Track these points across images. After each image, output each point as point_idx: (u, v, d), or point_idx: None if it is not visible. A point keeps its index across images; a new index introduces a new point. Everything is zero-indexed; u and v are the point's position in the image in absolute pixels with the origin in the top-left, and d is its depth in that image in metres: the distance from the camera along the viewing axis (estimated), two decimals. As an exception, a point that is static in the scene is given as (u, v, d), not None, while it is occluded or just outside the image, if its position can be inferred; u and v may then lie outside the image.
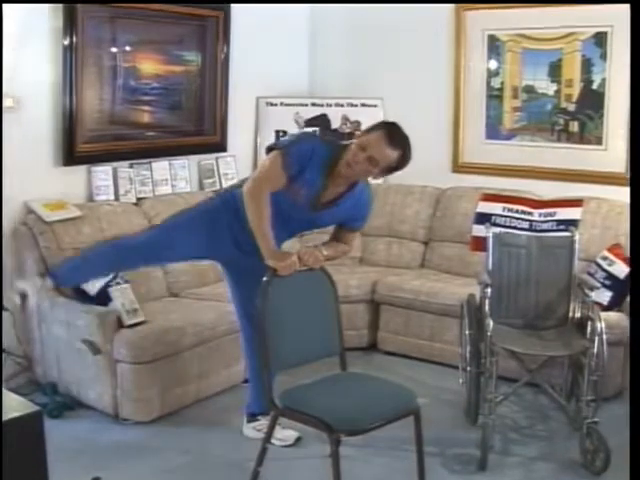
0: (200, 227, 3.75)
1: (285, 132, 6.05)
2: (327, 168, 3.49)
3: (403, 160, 3.46)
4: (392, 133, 3.42)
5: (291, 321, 3.33)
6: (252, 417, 4.04)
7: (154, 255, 3.96)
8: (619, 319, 4.46)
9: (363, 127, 6.03)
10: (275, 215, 3.49)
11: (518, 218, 5.12)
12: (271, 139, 6.02)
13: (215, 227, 3.72)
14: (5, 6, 4.19)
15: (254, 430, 3.99)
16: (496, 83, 5.65)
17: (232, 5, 5.59)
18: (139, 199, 5.14)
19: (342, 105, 6.14)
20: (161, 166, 5.33)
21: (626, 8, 3.55)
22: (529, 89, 5.51)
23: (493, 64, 5.64)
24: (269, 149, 3.60)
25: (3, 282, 4.39)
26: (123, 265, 4.11)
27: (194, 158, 5.59)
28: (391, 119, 5.90)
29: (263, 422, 3.94)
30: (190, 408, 4.34)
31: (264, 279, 3.32)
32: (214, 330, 4.43)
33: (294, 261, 3.38)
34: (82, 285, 4.26)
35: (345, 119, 6.14)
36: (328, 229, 3.83)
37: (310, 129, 6.08)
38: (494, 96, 5.66)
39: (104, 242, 4.25)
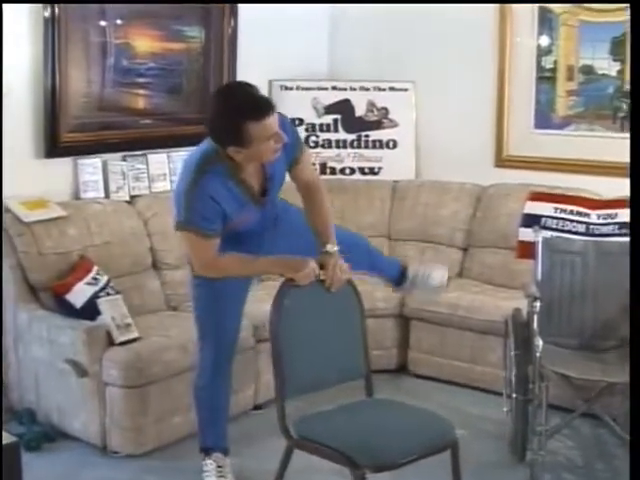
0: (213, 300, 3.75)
1: (302, 120, 6.05)
2: (234, 177, 3.44)
3: (275, 108, 3.33)
4: (253, 108, 3.25)
5: (309, 338, 3.32)
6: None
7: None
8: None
9: (392, 115, 6.08)
10: (245, 245, 3.51)
11: (572, 220, 5.08)
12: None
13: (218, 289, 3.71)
14: (5, 6, 4.30)
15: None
16: (548, 63, 5.63)
17: (240, -27, 5.62)
18: (133, 197, 5.15)
19: (368, 89, 6.14)
20: (158, 159, 5.34)
21: None
22: (587, 69, 5.49)
23: (544, 40, 5.62)
24: (176, 228, 3.49)
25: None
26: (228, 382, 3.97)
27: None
28: (425, 105, 6.06)
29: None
30: (189, 440, 4.31)
31: (278, 290, 3.32)
32: (218, 349, 4.41)
33: (313, 268, 3.38)
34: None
35: (371, 105, 6.14)
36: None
37: (330, 117, 6.09)
38: (545, 78, 5.64)
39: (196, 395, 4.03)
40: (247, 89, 3.32)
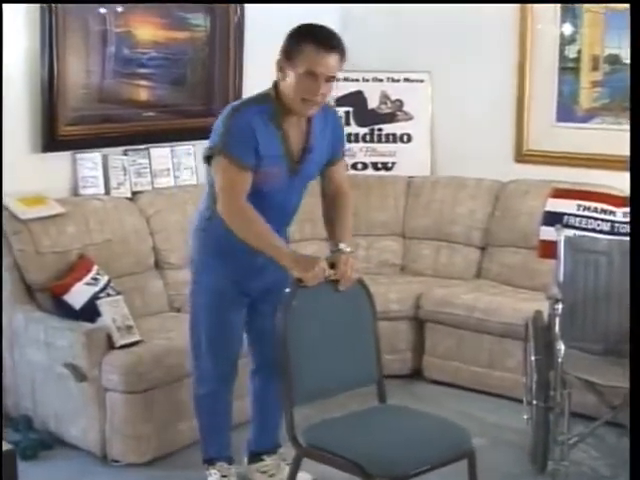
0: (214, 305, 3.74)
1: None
2: (278, 122, 3.51)
3: (344, 58, 3.47)
4: (321, 36, 3.43)
5: (318, 342, 3.32)
6: (255, 457, 4.03)
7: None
8: None
9: (406, 107, 6.07)
10: (262, 208, 3.48)
11: (597, 218, 5.09)
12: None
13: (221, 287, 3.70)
14: (5, 6, 4.32)
15: (258, 473, 3.99)
16: (571, 52, 5.61)
17: (248, -43, 5.61)
18: (134, 193, 5.15)
19: (381, 80, 6.14)
20: (161, 153, 5.35)
21: None
22: (613, 59, 5.47)
23: (568, 28, 5.61)
24: (207, 158, 3.56)
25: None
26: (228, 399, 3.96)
27: (201, 144, 5.55)
28: (441, 97, 6.05)
29: (269, 462, 3.96)
30: (194, 448, 4.29)
31: (287, 290, 3.32)
32: (224, 352, 4.41)
33: (322, 268, 3.37)
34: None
35: (385, 97, 6.14)
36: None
37: (341, 109, 6.07)
38: (568, 68, 5.63)
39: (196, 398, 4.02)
40: (325, 27, 3.49)
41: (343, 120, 6.07)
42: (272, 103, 3.51)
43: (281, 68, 3.47)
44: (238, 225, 3.48)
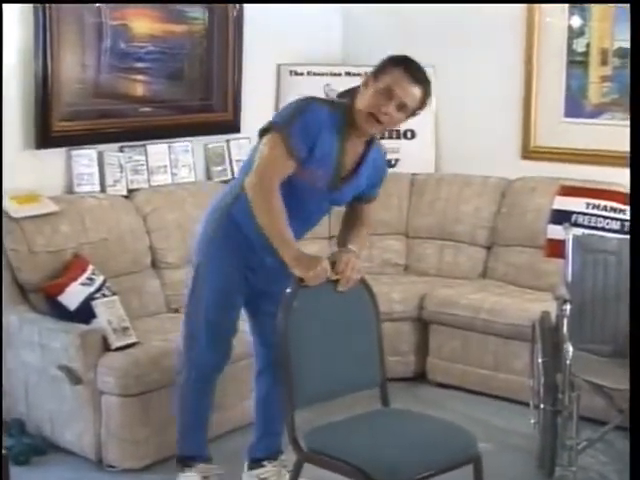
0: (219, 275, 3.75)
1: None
2: (341, 134, 3.54)
3: (426, 98, 3.57)
4: (411, 67, 3.51)
5: (320, 344, 3.32)
6: (255, 463, 4.02)
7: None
8: None
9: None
10: (288, 205, 3.49)
11: (606, 217, 5.07)
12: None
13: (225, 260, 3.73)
14: (5, 6, 4.34)
15: (258, 479, 4.00)
16: (580, 45, 5.62)
17: (247, -51, 5.61)
18: (131, 190, 5.15)
19: (384, 75, 6.11)
20: (158, 150, 5.35)
21: None
22: (623, 53, 5.46)
23: (576, 21, 5.61)
24: (263, 131, 3.59)
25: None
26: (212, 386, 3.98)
27: (199, 140, 5.60)
28: (446, 91, 6.04)
29: (269, 469, 3.96)
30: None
31: (288, 291, 3.32)
32: (223, 354, 4.41)
33: (325, 268, 3.37)
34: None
35: (387, 92, 6.11)
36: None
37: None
38: (577, 62, 5.63)
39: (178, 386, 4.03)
40: (420, 65, 3.55)
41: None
42: (343, 115, 3.54)
43: (365, 84, 3.52)
44: (258, 201, 3.47)
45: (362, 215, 3.82)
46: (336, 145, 3.54)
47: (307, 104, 3.53)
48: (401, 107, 3.48)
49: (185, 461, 3.94)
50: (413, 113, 3.58)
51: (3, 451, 3.29)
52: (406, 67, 3.48)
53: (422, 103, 3.54)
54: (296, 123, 3.47)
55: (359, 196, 3.77)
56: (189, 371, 3.88)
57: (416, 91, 3.48)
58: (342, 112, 3.55)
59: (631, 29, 3.61)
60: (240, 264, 3.73)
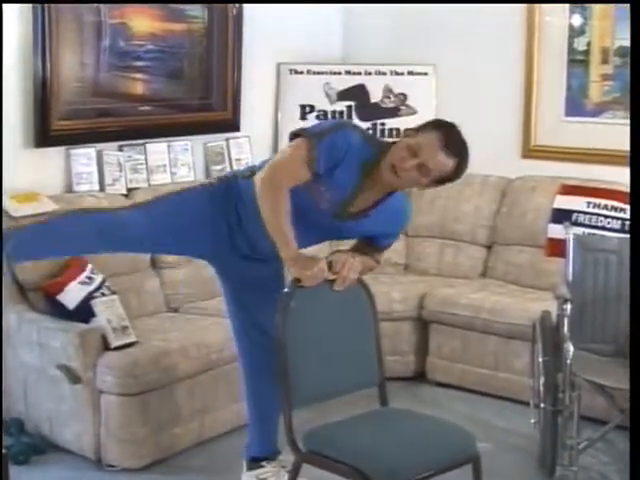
0: (190, 215, 3.73)
1: (313, 107, 6.04)
2: (365, 171, 3.49)
3: (458, 171, 3.49)
4: (449, 136, 3.44)
5: (318, 343, 3.32)
6: (254, 463, 4.02)
7: (134, 243, 3.91)
8: None
9: (410, 101, 6.06)
10: (295, 214, 3.47)
11: (607, 216, 5.07)
12: (295, 116, 6.01)
13: (207, 217, 3.71)
14: (5, 6, 4.35)
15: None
16: (580, 44, 5.61)
17: (246, -53, 5.61)
18: (130, 190, 5.16)
19: (384, 73, 6.13)
20: (158, 149, 5.35)
21: None
22: (624, 52, 5.45)
23: (577, 20, 5.61)
24: (294, 135, 3.57)
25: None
26: (91, 247, 3.98)
27: (199, 139, 5.60)
28: (446, 90, 6.04)
29: (268, 469, 3.95)
30: (190, 452, 4.34)
31: (285, 291, 3.32)
32: (222, 353, 4.42)
33: (322, 268, 3.36)
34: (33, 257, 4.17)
35: (388, 91, 6.13)
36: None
37: (343, 103, 6.07)
38: (577, 61, 5.63)
39: (75, 212, 4.12)
40: (463, 138, 3.51)
41: (345, 116, 6.07)
42: (377, 154, 3.49)
43: (407, 135, 3.49)
44: (265, 195, 3.45)
45: (369, 254, 3.72)
46: (355, 180, 3.49)
47: (345, 127, 3.55)
48: (421, 168, 3.39)
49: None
50: (441, 181, 3.51)
51: (3, 450, 3.29)
52: (444, 133, 3.41)
53: (453, 173, 3.47)
54: (327, 138, 3.44)
55: (369, 239, 3.71)
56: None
57: (443, 159, 3.39)
58: (376, 150, 3.50)
59: (631, 29, 3.62)
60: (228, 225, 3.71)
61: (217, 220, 3.70)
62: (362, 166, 3.48)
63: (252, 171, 3.68)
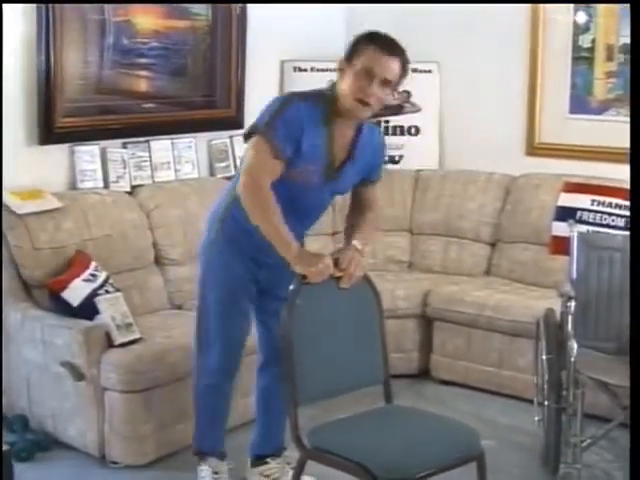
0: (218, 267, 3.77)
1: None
2: (326, 124, 3.53)
3: (406, 67, 3.53)
4: (383, 41, 3.49)
5: (323, 341, 3.32)
6: (259, 460, 4.03)
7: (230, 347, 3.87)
8: None
9: (414, 99, 6.06)
10: (287, 205, 3.48)
11: (611, 214, 5.07)
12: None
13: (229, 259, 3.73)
14: (5, 6, 4.35)
15: (261, 476, 4.01)
16: (585, 41, 5.61)
17: (250, -56, 5.61)
18: (134, 187, 5.16)
19: (388, 71, 6.10)
20: (162, 146, 5.35)
21: None
22: (628, 49, 5.38)
23: (581, 17, 5.60)
24: (247, 136, 3.58)
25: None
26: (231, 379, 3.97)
27: (203, 136, 5.60)
28: (450, 88, 6.04)
29: (273, 466, 3.97)
30: (195, 449, 4.34)
31: (291, 288, 3.32)
32: (225, 351, 4.41)
33: (327, 264, 3.37)
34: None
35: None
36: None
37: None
38: (582, 58, 5.62)
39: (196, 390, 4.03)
40: (391, 36, 3.53)
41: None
42: (328, 104, 3.52)
43: (341, 70, 3.51)
44: (252, 204, 3.47)
45: (366, 198, 3.81)
46: (324, 137, 3.52)
47: (286, 102, 3.51)
48: (384, 83, 3.45)
49: (200, 454, 3.96)
50: (397, 85, 3.56)
51: (5, 447, 3.30)
52: (378, 43, 3.45)
53: (403, 73, 3.51)
54: (278, 124, 3.45)
55: (361, 181, 3.76)
56: (199, 378, 3.89)
57: (394, 64, 3.45)
58: (325, 102, 3.52)
59: (631, 28, 3.63)
60: (246, 265, 3.72)
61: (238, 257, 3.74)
62: (322, 122, 3.51)
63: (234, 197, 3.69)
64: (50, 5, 4.63)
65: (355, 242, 3.57)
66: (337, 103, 3.51)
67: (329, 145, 3.55)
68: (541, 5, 5.66)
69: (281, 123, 3.44)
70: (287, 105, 3.49)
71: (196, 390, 3.91)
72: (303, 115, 3.47)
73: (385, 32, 3.53)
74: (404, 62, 3.49)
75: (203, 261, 3.82)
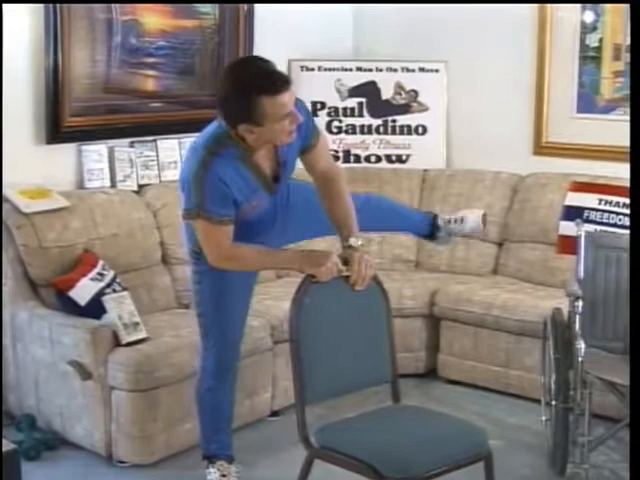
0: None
1: (324, 103, 6.04)
2: (244, 160, 3.48)
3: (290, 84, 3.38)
4: (264, 84, 3.28)
5: (331, 340, 3.33)
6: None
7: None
8: None
9: (421, 98, 6.05)
10: (258, 237, 3.55)
11: (619, 213, 5.07)
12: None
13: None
14: (5, 6, 4.36)
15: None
16: (593, 41, 5.59)
17: (257, -57, 5.61)
18: (141, 186, 5.17)
19: (395, 70, 6.12)
20: (169, 145, 5.36)
21: None
22: (635, 48, 5.43)
23: (589, 16, 5.59)
24: (185, 217, 3.54)
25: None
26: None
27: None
28: (457, 87, 6.03)
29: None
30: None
31: (298, 287, 3.33)
32: (232, 350, 4.41)
33: (335, 262, 3.37)
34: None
35: (399, 88, 6.12)
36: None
37: (354, 100, 6.07)
38: (590, 57, 5.61)
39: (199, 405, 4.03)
40: (261, 63, 3.37)
41: (356, 112, 6.08)
42: (236, 144, 3.44)
43: (248, 131, 3.36)
44: (233, 267, 3.55)
45: (322, 167, 3.70)
46: (248, 174, 3.49)
47: (198, 170, 3.39)
48: (292, 116, 3.34)
49: (207, 457, 3.96)
50: None
51: (13, 446, 3.30)
52: (264, 89, 3.26)
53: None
54: (203, 196, 3.39)
55: (305, 153, 3.66)
56: (200, 381, 3.91)
57: (289, 94, 3.31)
58: (234, 144, 3.43)
59: (631, 29, 3.63)
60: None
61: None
62: (239, 164, 3.46)
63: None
64: (58, 5, 4.64)
65: (352, 240, 3.52)
66: (249, 143, 3.42)
67: (258, 177, 3.54)
68: (548, 4, 5.64)
69: (209, 198, 3.38)
70: (204, 180, 3.38)
71: (197, 393, 3.93)
72: (222, 176, 3.39)
73: (257, 65, 3.37)
74: (290, 81, 3.36)
75: (192, 267, 3.83)
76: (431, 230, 4.28)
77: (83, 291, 4.36)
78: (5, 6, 4.49)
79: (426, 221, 4.30)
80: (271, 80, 3.29)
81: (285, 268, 3.50)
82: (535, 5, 5.70)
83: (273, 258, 3.55)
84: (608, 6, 5.47)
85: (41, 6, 4.64)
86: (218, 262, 3.52)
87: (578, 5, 5.56)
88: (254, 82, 3.28)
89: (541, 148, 5.85)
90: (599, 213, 5.12)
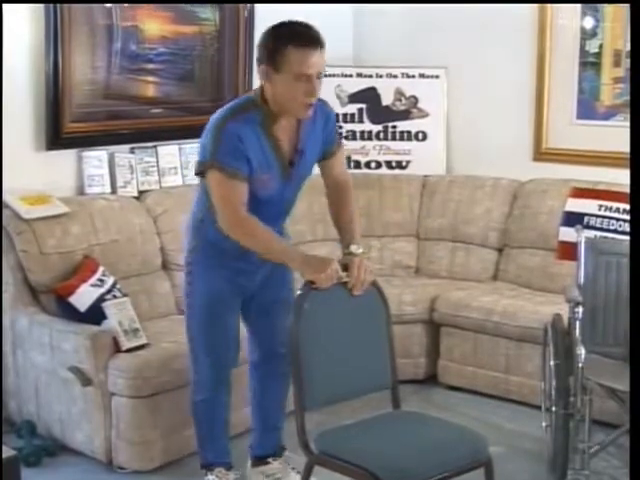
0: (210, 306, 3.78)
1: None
2: (265, 130, 3.53)
3: (324, 49, 3.50)
4: (298, 36, 3.45)
5: (330, 346, 3.32)
6: (259, 460, 4.06)
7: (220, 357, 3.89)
8: None
9: (421, 104, 6.06)
10: (256, 214, 3.52)
11: (619, 219, 5.07)
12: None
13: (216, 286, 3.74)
14: (5, 6, 4.37)
15: (263, 477, 4.02)
16: (593, 47, 5.59)
17: (257, -51, 5.61)
18: (141, 192, 5.16)
19: (395, 76, 6.12)
20: (169, 151, 5.36)
21: None
22: (635, 54, 5.43)
23: (589, 22, 5.59)
24: (198, 173, 3.62)
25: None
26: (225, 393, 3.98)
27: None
28: (457, 93, 6.04)
29: (275, 466, 4.01)
30: (202, 454, 4.34)
31: (298, 293, 3.34)
32: (233, 356, 4.41)
33: (335, 269, 3.37)
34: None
35: (399, 94, 6.12)
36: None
37: (354, 106, 6.08)
38: (590, 63, 5.61)
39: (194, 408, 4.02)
40: (300, 22, 3.53)
41: (356, 119, 6.08)
42: (259, 109, 3.53)
43: (267, 75, 3.48)
44: (242, 237, 3.52)
45: (336, 175, 3.79)
46: (267, 145, 3.54)
47: (218, 127, 3.50)
48: (319, 76, 3.44)
49: (205, 466, 3.96)
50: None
51: (12, 452, 3.30)
52: (296, 41, 3.42)
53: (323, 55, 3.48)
54: (220, 149, 3.46)
55: (321, 157, 3.75)
56: (194, 392, 3.91)
57: (320, 55, 3.43)
58: (256, 110, 3.52)
59: (631, 29, 3.62)
60: (227, 277, 3.73)
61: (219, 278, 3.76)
62: (260, 132, 3.51)
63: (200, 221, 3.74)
64: (58, 9, 4.64)
65: (354, 247, 3.54)
66: (271, 106, 3.51)
67: (275, 148, 3.57)
68: (549, 10, 5.64)
69: (224, 149, 3.46)
70: (221, 131, 3.49)
71: (192, 405, 3.93)
72: (239, 133, 3.46)
73: (293, 22, 3.53)
74: (324, 45, 3.47)
75: (186, 279, 3.84)
76: (267, 455, 4.06)
77: (83, 297, 4.37)
78: (5, 12, 4.49)
79: (273, 447, 4.07)
80: (304, 34, 3.46)
81: (286, 262, 3.48)
82: (535, 11, 5.69)
83: (280, 247, 3.54)
84: (608, 12, 5.47)
85: (42, 12, 4.64)
86: (231, 226, 3.51)
87: (578, 11, 5.56)
88: (289, 31, 3.47)
89: (541, 154, 5.85)
90: (599, 219, 5.12)
